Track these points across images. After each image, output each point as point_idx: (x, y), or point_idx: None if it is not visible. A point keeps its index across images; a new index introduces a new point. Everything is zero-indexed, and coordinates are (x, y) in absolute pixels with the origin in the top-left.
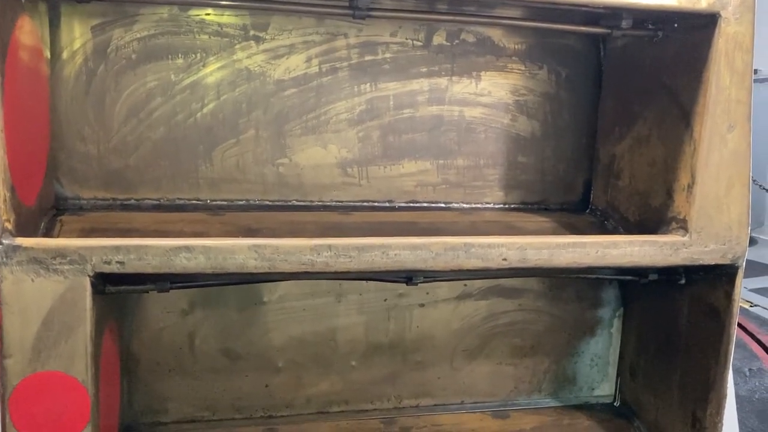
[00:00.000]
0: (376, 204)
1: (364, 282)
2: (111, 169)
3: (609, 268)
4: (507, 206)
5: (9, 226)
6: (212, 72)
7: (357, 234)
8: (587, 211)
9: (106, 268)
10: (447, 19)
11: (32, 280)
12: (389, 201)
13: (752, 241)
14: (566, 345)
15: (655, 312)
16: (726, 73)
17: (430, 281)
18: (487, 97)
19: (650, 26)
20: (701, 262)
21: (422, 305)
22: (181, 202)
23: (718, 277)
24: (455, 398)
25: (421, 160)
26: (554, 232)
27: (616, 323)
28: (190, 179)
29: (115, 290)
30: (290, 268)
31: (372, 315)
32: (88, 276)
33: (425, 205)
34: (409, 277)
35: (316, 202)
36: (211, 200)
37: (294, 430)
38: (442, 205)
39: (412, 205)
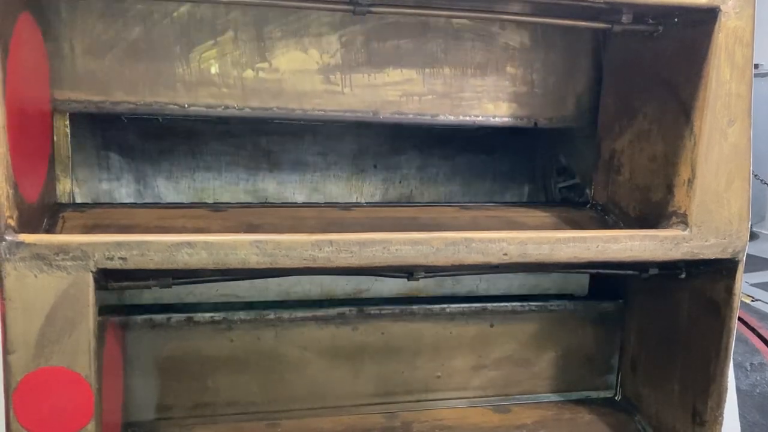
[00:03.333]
0: (359, 114)
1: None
2: (85, 69)
3: (609, 262)
4: (495, 118)
5: (12, 222)
6: None
7: (358, 229)
8: (588, 206)
9: (109, 264)
10: (447, 14)
11: (35, 276)
12: (374, 112)
13: (753, 236)
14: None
15: (655, 306)
16: (726, 68)
17: (432, 276)
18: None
19: (650, 21)
20: (702, 257)
21: None
22: (158, 107)
23: (719, 272)
24: (456, 393)
25: (407, 68)
26: (555, 227)
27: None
28: (167, 82)
29: (118, 286)
30: (292, 264)
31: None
32: (91, 272)
33: (411, 116)
34: (410, 272)
35: (297, 111)
36: (189, 105)
37: (296, 425)
38: (429, 117)
39: (397, 117)
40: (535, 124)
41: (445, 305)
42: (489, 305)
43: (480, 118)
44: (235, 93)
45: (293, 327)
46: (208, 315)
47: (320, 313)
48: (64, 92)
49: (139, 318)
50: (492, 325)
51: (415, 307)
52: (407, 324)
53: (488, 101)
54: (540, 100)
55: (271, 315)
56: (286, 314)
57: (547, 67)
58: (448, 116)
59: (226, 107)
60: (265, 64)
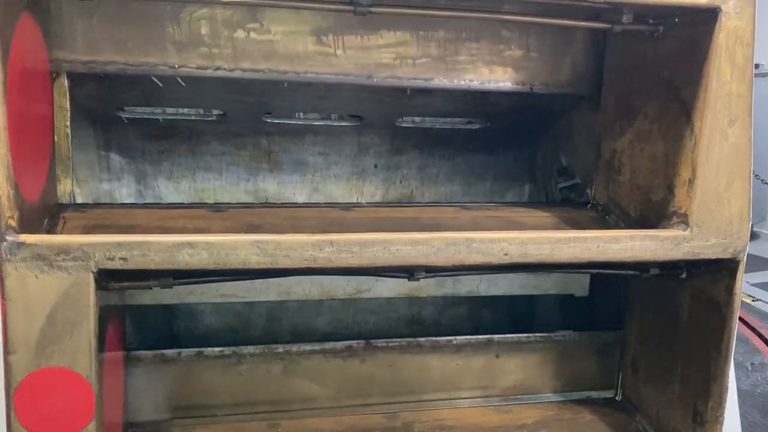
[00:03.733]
0: (353, 78)
1: None
2: (73, 28)
3: (610, 263)
4: (490, 83)
5: (13, 222)
6: None
7: (359, 230)
8: (588, 206)
9: (110, 265)
10: (448, 14)
11: (36, 277)
12: (367, 75)
13: (754, 236)
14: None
15: (656, 306)
16: (726, 68)
17: (432, 276)
18: None
19: (651, 21)
20: (702, 257)
21: None
22: (148, 67)
23: (719, 272)
24: (457, 393)
25: (400, 30)
26: (555, 228)
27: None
28: (157, 42)
29: (118, 286)
30: (292, 264)
31: None
32: (92, 272)
33: (405, 80)
34: (410, 272)
35: (290, 73)
36: (180, 66)
37: (297, 425)
38: (423, 81)
39: (391, 80)
40: (531, 89)
41: (451, 337)
42: (495, 336)
43: (475, 82)
44: (226, 54)
45: (302, 360)
46: (217, 349)
47: (328, 346)
48: (53, 52)
49: (150, 353)
50: (498, 356)
51: (421, 339)
52: (414, 356)
53: (483, 65)
54: (536, 65)
55: (280, 348)
56: (294, 347)
57: (544, 31)
58: (442, 80)
59: (217, 68)
60: (257, 25)
